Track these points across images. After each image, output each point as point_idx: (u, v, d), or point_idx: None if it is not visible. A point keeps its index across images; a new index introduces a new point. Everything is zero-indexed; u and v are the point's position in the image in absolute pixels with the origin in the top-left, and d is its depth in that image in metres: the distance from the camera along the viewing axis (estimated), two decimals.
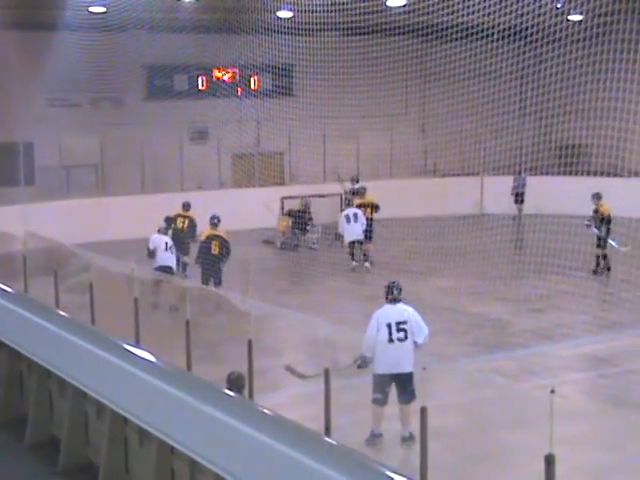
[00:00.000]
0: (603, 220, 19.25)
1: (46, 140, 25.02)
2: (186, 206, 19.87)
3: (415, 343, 9.97)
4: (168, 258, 17.34)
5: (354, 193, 23.73)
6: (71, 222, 22.01)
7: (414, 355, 9.93)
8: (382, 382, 9.96)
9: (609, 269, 19.45)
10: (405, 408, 9.94)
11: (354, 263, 20.97)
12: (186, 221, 19.38)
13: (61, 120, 25.47)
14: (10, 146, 24.92)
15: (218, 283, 16.62)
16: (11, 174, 24.75)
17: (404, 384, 9.90)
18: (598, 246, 19.42)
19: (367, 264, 21.09)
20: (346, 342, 10.92)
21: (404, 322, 9.97)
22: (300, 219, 24.24)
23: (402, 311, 10.11)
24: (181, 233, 19.00)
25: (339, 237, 21.63)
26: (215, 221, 17.26)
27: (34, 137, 25.50)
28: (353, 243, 21.05)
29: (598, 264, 19.50)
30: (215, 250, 16.81)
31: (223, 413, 0.92)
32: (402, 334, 9.93)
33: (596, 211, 19.55)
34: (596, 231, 19.34)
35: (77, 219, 22.51)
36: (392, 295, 10.17)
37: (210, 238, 17.00)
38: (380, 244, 22.45)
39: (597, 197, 19.66)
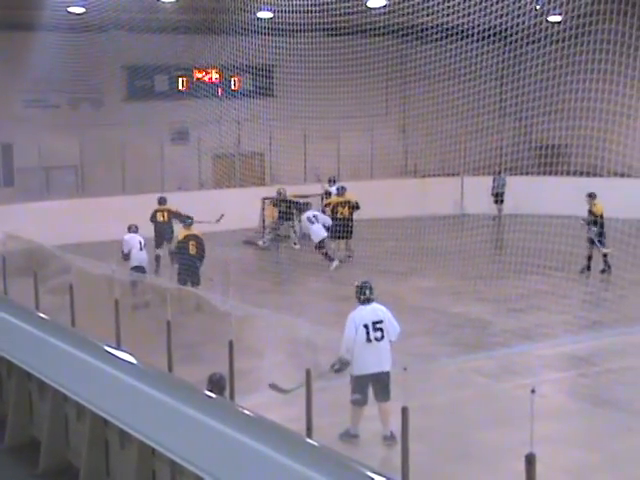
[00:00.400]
0: (594, 221, 19.25)
1: (25, 141, 24.91)
2: (162, 201, 20.46)
3: (389, 341, 10.03)
4: (143, 258, 17.51)
5: (328, 193, 23.97)
6: (51, 223, 21.92)
7: (390, 354, 9.99)
8: (362, 383, 9.97)
9: (590, 268, 19.48)
10: (385, 407, 9.97)
11: (335, 263, 21.01)
12: (165, 213, 20.08)
13: (40, 121, 25.36)
14: None
15: (196, 283, 16.58)
16: None
17: (384, 383, 9.93)
18: (592, 245, 19.41)
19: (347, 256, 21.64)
20: (326, 343, 10.93)
21: (380, 321, 10.01)
22: (285, 207, 24.14)
23: (377, 310, 10.14)
24: (164, 226, 19.69)
25: (307, 237, 22.02)
26: (189, 222, 17.34)
27: (13, 138, 25.39)
28: (322, 241, 21.36)
29: (589, 266, 19.48)
30: (192, 250, 16.84)
31: (204, 415, 0.92)
32: (379, 333, 9.97)
33: (589, 211, 19.57)
34: (592, 229, 19.31)
35: (57, 220, 22.43)
36: (365, 295, 10.18)
37: (187, 238, 17.02)
38: (361, 244, 22.48)
39: (591, 197, 19.69)
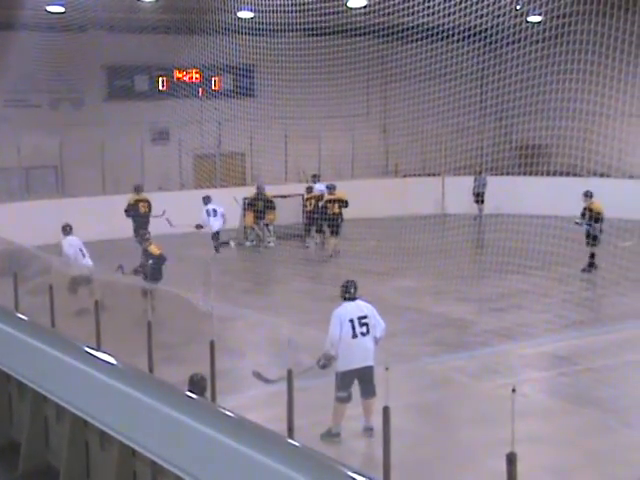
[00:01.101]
0: (596, 218, 19.26)
1: (5, 141, 24.76)
2: (139, 189, 20.73)
3: (374, 337, 10.08)
4: (87, 265, 16.33)
5: (310, 189, 24.24)
6: (31, 223, 21.79)
7: (374, 350, 10.03)
8: (347, 379, 10.00)
9: (596, 267, 19.43)
10: (370, 402, 10.00)
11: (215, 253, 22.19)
12: (146, 204, 20.19)
13: (20, 121, 25.23)
14: None
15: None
16: None
17: (369, 378, 9.97)
18: (588, 244, 19.45)
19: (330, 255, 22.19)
20: (308, 342, 10.92)
21: (365, 317, 10.10)
22: (259, 204, 24.17)
23: (361, 306, 10.24)
24: (144, 218, 19.74)
25: (199, 227, 22.33)
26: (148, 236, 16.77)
27: None
28: (217, 233, 22.36)
29: (592, 264, 19.49)
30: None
31: (185, 415, 0.92)
32: (364, 328, 10.04)
33: (587, 209, 19.56)
34: (588, 229, 19.34)
35: (37, 220, 22.29)
36: (349, 293, 10.28)
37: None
38: (343, 244, 22.53)
39: (588, 195, 19.70)
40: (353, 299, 10.27)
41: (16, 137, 24.46)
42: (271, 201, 24.18)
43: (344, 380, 10.00)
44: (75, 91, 27.53)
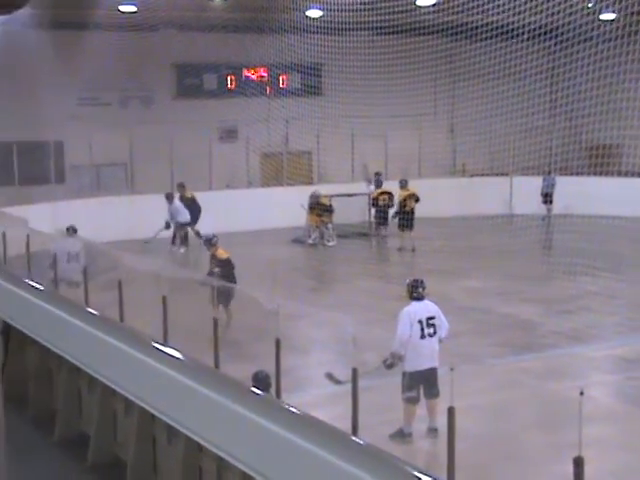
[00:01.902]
0: None
1: (77, 139, 25.16)
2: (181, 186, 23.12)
3: (439, 338, 10.06)
4: (73, 269, 15.31)
5: (379, 184, 24.36)
6: (101, 220, 22.13)
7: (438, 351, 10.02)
8: (415, 380, 9.96)
9: None
10: (435, 402, 9.96)
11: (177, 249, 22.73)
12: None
13: (92, 119, 25.62)
14: (41, 145, 25.09)
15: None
16: (42, 172, 24.92)
17: (434, 379, 9.93)
18: None
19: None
20: (374, 341, 10.92)
21: (433, 317, 10.08)
22: (317, 208, 24.29)
23: (429, 306, 10.22)
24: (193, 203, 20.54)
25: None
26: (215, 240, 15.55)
27: (65, 136, 25.65)
28: (183, 225, 23.03)
29: None
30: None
31: (251, 411, 0.93)
32: (432, 329, 10.03)
33: None
34: None
35: (107, 217, 22.64)
36: (417, 293, 10.23)
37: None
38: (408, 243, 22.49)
39: None
40: (421, 299, 10.23)
41: (87, 135, 24.83)
42: (327, 207, 24.20)
43: (412, 381, 9.97)
44: (145, 89, 27.88)
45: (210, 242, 15.36)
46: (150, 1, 22.57)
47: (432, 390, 9.98)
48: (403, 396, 10.01)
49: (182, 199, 23.36)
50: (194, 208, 23.37)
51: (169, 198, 23.01)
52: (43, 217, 20.85)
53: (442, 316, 10.20)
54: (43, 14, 22.60)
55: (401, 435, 9.94)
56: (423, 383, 10.01)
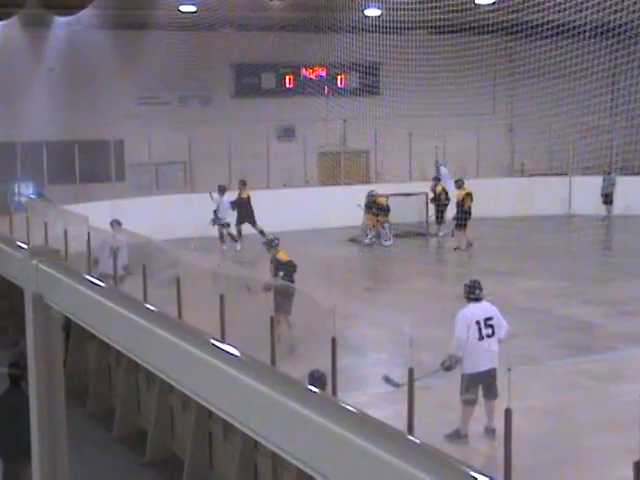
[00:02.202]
0: None
1: (136, 137, 25.45)
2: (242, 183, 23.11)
3: (498, 338, 9.98)
4: (110, 264, 15.15)
5: (437, 180, 24.89)
6: (160, 218, 22.34)
7: (498, 352, 9.94)
8: (474, 381, 9.89)
9: None
10: (492, 403, 9.89)
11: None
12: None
13: (151, 118, 25.89)
14: (102, 143, 25.42)
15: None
16: (102, 170, 25.25)
17: (493, 380, 9.86)
18: None
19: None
20: (430, 341, 10.87)
21: (490, 318, 10.01)
22: (374, 208, 24.20)
23: (487, 307, 10.15)
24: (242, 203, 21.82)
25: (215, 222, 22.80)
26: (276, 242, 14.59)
27: (125, 134, 25.96)
28: (223, 224, 22.71)
29: None
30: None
31: (307, 409, 0.93)
32: (490, 330, 9.95)
33: None
34: None
35: (165, 215, 22.85)
36: (474, 294, 10.16)
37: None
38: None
39: None
40: (479, 300, 10.16)
41: (147, 133, 25.10)
42: (383, 207, 24.06)
43: (471, 382, 9.89)
44: (204, 88, 28.09)
45: (271, 244, 14.53)
46: (210, 1, 22.74)
47: (491, 391, 9.91)
48: (461, 397, 9.95)
49: (238, 196, 23.34)
50: (243, 208, 23.25)
51: (222, 191, 22.99)
52: (103, 215, 21.13)
53: (500, 316, 10.13)
54: (105, 14, 22.90)
55: (457, 436, 9.89)
56: (482, 384, 9.94)
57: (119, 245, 15.33)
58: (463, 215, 22.61)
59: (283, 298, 13.16)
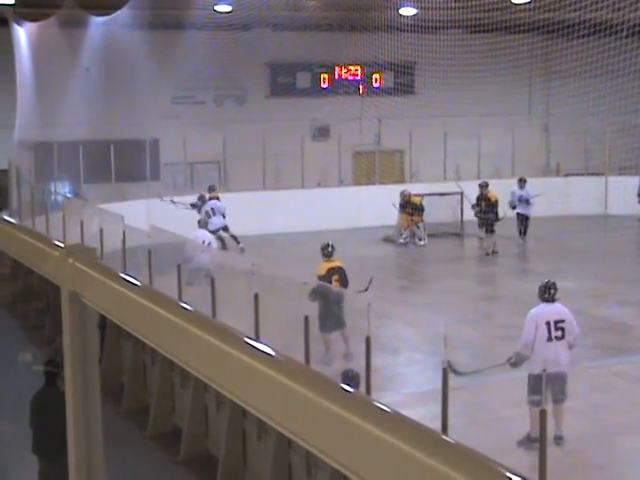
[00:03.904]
0: None
1: (171, 137, 25.57)
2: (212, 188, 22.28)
3: (568, 343, 9.90)
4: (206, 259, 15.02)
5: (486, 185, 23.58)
6: (194, 217, 22.40)
7: (569, 354, 9.89)
8: (540, 382, 9.75)
9: None
10: (560, 407, 9.78)
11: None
12: None
13: (186, 117, 26.02)
14: (137, 142, 25.57)
15: (341, 326, 12.87)
16: (137, 170, 25.38)
17: (561, 383, 9.76)
18: None
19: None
20: (464, 342, 10.84)
21: (562, 321, 9.93)
22: (408, 207, 24.01)
23: (559, 310, 10.09)
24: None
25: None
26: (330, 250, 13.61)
27: (160, 134, 26.09)
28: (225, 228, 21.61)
29: None
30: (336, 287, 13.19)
31: (342, 408, 0.93)
32: (560, 332, 9.87)
33: None
34: None
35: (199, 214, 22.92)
36: (549, 294, 10.10)
37: (330, 272, 13.37)
38: (501, 243, 22.23)
39: None
40: (551, 301, 10.09)
41: (182, 133, 25.22)
42: (417, 206, 23.91)
43: (537, 383, 9.75)
44: (239, 88, 28.18)
45: (324, 252, 13.52)
46: (245, 0, 22.79)
47: (559, 395, 9.77)
48: (528, 399, 9.80)
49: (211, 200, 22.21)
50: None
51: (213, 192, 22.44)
52: (138, 213, 21.25)
53: (573, 321, 10.04)
54: (141, 14, 23.03)
55: (529, 440, 9.62)
56: (550, 386, 9.78)
57: (209, 241, 16.05)
58: (493, 219, 22.19)
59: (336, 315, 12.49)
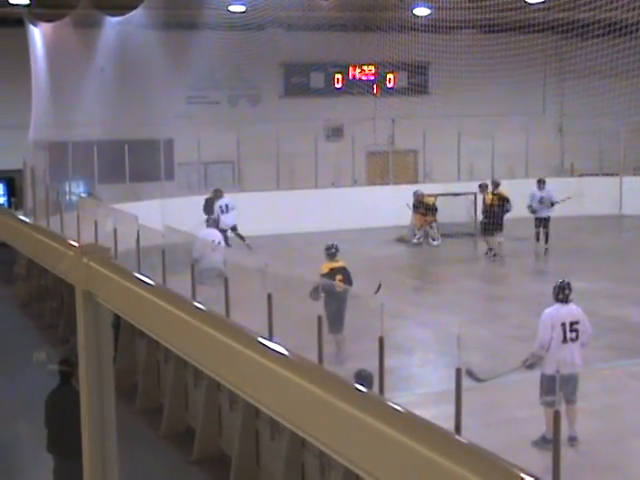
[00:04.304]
0: None
1: (185, 137, 25.61)
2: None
3: (581, 343, 9.88)
4: (217, 260, 14.74)
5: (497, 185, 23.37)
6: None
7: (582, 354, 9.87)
8: (554, 383, 9.71)
9: None
10: (573, 408, 9.75)
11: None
12: None
13: (200, 117, 26.05)
14: (151, 142, 25.61)
15: (339, 331, 12.88)
16: (152, 170, 25.43)
17: (574, 383, 9.73)
18: None
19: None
20: (478, 342, 10.82)
21: (577, 322, 9.90)
22: (421, 208, 23.93)
23: (574, 310, 10.07)
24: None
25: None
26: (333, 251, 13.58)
27: (174, 134, 26.14)
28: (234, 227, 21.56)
29: None
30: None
31: (355, 408, 0.93)
32: (574, 334, 9.85)
33: None
34: None
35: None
36: (563, 294, 10.08)
37: (334, 272, 13.21)
38: (513, 243, 22.19)
39: None
40: (566, 302, 10.06)
41: (196, 133, 25.26)
42: (430, 206, 23.84)
43: (551, 384, 9.71)
44: (253, 88, 28.21)
45: (328, 252, 13.50)
46: (259, 1, 22.81)
47: (571, 396, 9.74)
48: (541, 400, 9.76)
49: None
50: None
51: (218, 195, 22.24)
52: (152, 213, 21.30)
53: (586, 322, 10.03)
54: (155, 14, 23.08)
55: (544, 441, 9.56)
56: (563, 387, 9.75)
57: (219, 240, 15.80)
58: (494, 219, 21.88)
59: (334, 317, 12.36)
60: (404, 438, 1.04)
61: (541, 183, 22.47)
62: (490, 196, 22.16)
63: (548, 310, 10.01)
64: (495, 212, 21.62)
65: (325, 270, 13.23)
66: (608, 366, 12.78)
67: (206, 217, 19.58)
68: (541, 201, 22.05)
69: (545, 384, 9.72)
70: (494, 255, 21.32)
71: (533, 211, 21.98)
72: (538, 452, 9.41)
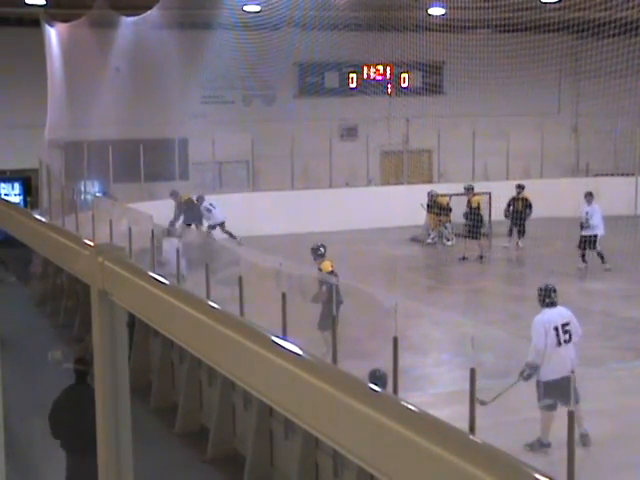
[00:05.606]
0: None
1: (200, 136, 25.66)
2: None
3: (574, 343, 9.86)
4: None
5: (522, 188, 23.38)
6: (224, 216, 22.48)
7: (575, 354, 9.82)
8: (552, 388, 9.69)
9: None
10: (578, 407, 9.71)
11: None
12: None
13: (215, 117, 26.09)
14: (166, 142, 25.67)
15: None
16: (166, 169, 25.49)
17: (574, 383, 9.69)
18: None
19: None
20: (492, 342, 10.78)
21: (567, 323, 9.86)
22: (435, 208, 23.86)
23: (563, 312, 10.02)
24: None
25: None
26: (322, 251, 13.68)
27: (189, 133, 26.19)
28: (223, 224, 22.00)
29: None
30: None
31: (369, 408, 0.93)
32: (567, 336, 9.80)
33: None
34: None
35: (228, 214, 22.98)
36: (550, 298, 10.01)
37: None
38: (530, 244, 22.13)
39: None
40: (554, 305, 10.01)
41: (210, 132, 25.30)
42: (444, 206, 23.76)
43: (549, 389, 9.70)
44: (267, 88, 28.23)
45: (316, 252, 13.67)
46: (273, 0, 22.84)
47: (577, 395, 9.69)
48: (540, 404, 9.72)
49: (183, 201, 22.46)
50: (193, 209, 22.48)
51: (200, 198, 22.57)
52: (168, 212, 21.37)
53: (575, 321, 9.98)
54: (170, 14, 23.13)
55: (539, 445, 9.59)
56: (562, 390, 9.72)
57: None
58: (478, 222, 21.79)
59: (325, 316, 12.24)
60: (418, 438, 1.04)
61: (589, 197, 20.92)
62: (474, 198, 22.14)
63: (538, 317, 9.93)
64: (479, 215, 21.86)
65: (330, 268, 13.30)
66: (624, 366, 12.73)
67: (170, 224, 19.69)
68: (587, 217, 20.46)
69: (541, 389, 9.66)
70: (481, 257, 21.15)
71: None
72: (533, 455, 9.38)
